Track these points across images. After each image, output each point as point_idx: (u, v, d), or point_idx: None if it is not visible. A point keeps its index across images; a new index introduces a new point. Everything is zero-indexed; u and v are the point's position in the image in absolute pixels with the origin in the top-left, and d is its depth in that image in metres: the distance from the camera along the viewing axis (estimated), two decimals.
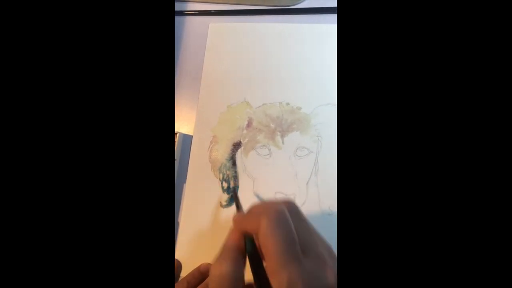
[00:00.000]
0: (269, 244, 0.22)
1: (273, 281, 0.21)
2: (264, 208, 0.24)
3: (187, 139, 0.41)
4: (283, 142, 0.40)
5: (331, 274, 0.22)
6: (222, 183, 0.40)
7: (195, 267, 0.34)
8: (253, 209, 0.25)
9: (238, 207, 0.34)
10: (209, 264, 0.34)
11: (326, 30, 0.43)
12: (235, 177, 0.39)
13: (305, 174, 0.39)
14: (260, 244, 0.23)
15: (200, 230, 0.38)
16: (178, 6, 0.47)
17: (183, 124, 0.42)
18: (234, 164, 0.40)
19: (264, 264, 0.23)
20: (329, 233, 0.35)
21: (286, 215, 0.23)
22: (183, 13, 0.46)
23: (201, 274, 0.33)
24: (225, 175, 0.40)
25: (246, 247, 0.25)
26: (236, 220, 0.27)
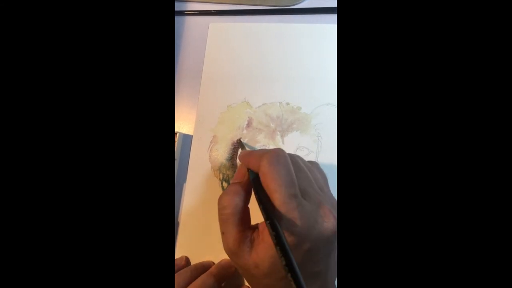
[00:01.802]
0: (268, 181, 0.24)
1: (275, 212, 0.23)
2: (266, 150, 0.26)
3: (187, 139, 0.41)
4: (283, 142, 0.40)
5: (331, 223, 0.23)
6: (222, 183, 0.39)
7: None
8: (255, 151, 0.28)
9: (243, 146, 0.37)
10: (213, 263, 0.34)
11: (327, 30, 0.43)
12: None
13: None
14: (262, 183, 0.24)
15: (200, 230, 0.38)
16: (178, 6, 0.47)
17: (183, 124, 0.42)
18: (234, 164, 0.40)
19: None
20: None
21: (286, 157, 0.25)
22: (183, 13, 0.46)
23: (204, 267, 0.34)
24: (225, 175, 0.40)
25: (250, 176, 0.27)
26: (240, 156, 0.30)
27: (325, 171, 0.39)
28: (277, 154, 0.25)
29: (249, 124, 0.41)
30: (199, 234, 0.38)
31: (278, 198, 0.23)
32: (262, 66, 0.43)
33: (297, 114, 0.40)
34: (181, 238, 0.38)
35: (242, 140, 0.40)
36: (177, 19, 0.46)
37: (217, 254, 0.37)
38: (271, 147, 0.40)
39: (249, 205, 0.27)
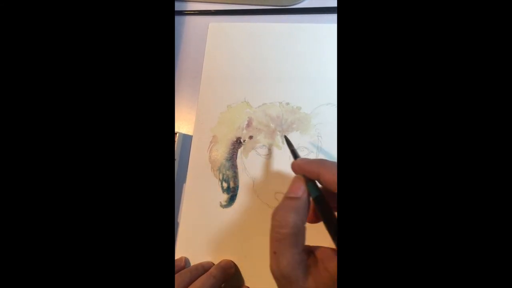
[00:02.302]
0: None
1: None
2: (321, 159, 0.25)
3: (187, 139, 0.41)
4: (283, 142, 0.40)
5: None
6: (222, 183, 0.39)
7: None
8: (331, 163, 0.25)
9: (294, 153, 0.33)
10: (212, 263, 0.34)
11: (327, 30, 0.43)
12: (235, 177, 0.39)
13: None
14: (326, 186, 0.23)
15: (200, 230, 0.38)
16: (178, 6, 0.47)
17: (183, 124, 0.42)
18: (234, 164, 0.40)
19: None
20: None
21: None
22: (183, 13, 0.46)
23: (204, 269, 0.34)
24: (224, 175, 0.40)
25: (311, 193, 0.24)
26: (306, 166, 0.26)
27: None
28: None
29: (249, 124, 0.41)
30: (199, 235, 0.38)
31: None
32: (262, 66, 0.43)
33: (297, 114, 0.40)
34: (181, 238, 0.38)
35: (289, 139, 0.36)
36: (177, 19, 0.46)
37: (216, 254, 0.37)
38: (271, 147, 0.40)
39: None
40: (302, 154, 0.39)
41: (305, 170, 0.26)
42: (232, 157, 0.40)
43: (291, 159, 0.39)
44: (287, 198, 0.25)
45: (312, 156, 0.39)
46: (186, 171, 0.40)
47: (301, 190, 0.25)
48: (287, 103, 0.41)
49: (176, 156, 0.40)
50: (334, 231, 0.22)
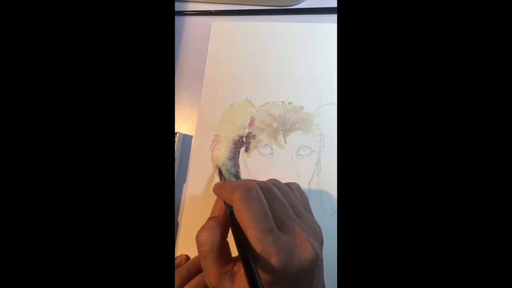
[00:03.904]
0: (242, 218, 0.23)
1: (250, 249, 0.23)
2: (238, 183, 0.26)
3: (187, 139, 0.41)
4: (285, 142, 0.39)
5: (309, 251, 0.23)
6: None
7: None
8: (227, 183, 0.28)
9: (220, 179, 0.36)
10: None
11: (330, 29, 0.43)
12: (237, 176, 0.39)
13: (307, 174, 0.38)
14: (236, 217, 0.24)
15: None
16: (178, 6, 0.47)
17: (183, 124, 0.42)
18: (236, 163, 0.40)
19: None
20: (330, 234, 0.35)
21: (258, 191, 0.25)
22: (183, 13, 0.46)
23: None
24: (226, 174, 0.39)
25: (227, 209, 0.26)
26: (214, 188, 0.29)
27: (328, 170, 0.39)
28: (248, 188, 0.25)
29: (251, 124, 0.40)
30: None
31: (253, 234, 0.23)
32: (265, 65, 0.43)
33: (300, 113, 0.40)
34: (181, 238, 0.38)
35: (221, 167, 0.39)
36: (177, 19, 0.46)
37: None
38: (274, 146, 0.39)
39: (229, 239, 0.27)
40: (304, 153, 0.39)
41: (215, 193, 0.29)
42: (234, 156, 0.40)
43: (293, 158, 0.39)
44: (209, 218, 0.27)
45: (314, 156, 0.39)
46: (186, 171, 0.40)
47: (218, 209, 0.27)
48: (290, 103, 0.41)
49: (176, 156, 0.40)
50: (239, 244, 0.23)
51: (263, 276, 0.22)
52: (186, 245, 0.38)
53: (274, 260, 0.22)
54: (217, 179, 0.40)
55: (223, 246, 0.26)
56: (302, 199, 0.30)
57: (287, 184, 0.30)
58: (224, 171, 0.39)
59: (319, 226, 0.27)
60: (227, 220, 0.26)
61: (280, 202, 0.26)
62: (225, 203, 0.27)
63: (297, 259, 0.23)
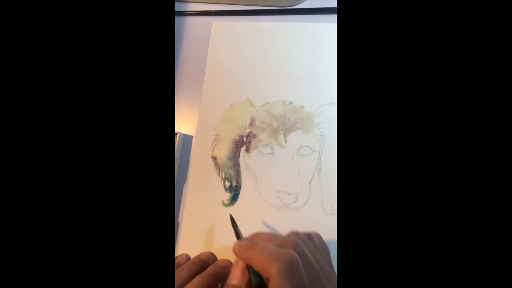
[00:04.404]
0: None
1: None
2: (277, 254, 0.23)
3: (187, 139, 0.41)
4: (286, 141, 0.39)
5: None
6: (224, 182, 0.39)
7: None
8: (259, 247, 0.24)
9: (238, 234, 0.31)
10: (209, 253, 0.34)
11: (331, 29, 0.43)
12: (238, 176, 0.39)
13: (307, 173, 0.38)
14: (260, 272, 0.22)
15: (202, 229, 0.38)
16: (178, 6, 0.47)
17: (183, 124, 0.42)
18: (236, 163, 0.40)
19: None
20: (330, 234, 0.35)
21: (299, 265, 0.23)
22: (183, 14, 0.46)
23: (202, 262, 0.33)
24: (227, 174, 0.39)
25: (253, 280, 0.24)
26: (238, 252, 0.25)
27: (328, 170, 0.39)
28: (291, 263, 0.22)
29: (251, 123, 0.40)
30: (200, 233, 0.38)
31: None
32: (265, 65, 0.43)
33: (300, 113, 0.40)
34: (182, 238, 0.38)
35: (233, 216, 0.33)
36: (177, 19, 0.46)
37: (218, 253, 0.37)
38: (274, 146, 0.39)
39: None
40: (305, 153, 0.39)
41: (238, 256, 0.25)
42: (234, 156, 0.40)
43: (294, 158, 0.39)
44: (228, 285, 0.24)
45: (315, 155, 0.39)
46: (186, 171, 0.40)
47: (240, 276, 0.25)
48: (290, 102, 0.41)
49: (176, 157, 0.40)
50: None
51: None
52: (186, 245, 0.38)
53: None
54: (213, 173, 0.39)
55: None
56: (324, 253, 0.28)
57: (309, 236, 0.28)
58: (221, 174, 0.39)
59: (335, 276, 0.26)
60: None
61: (313, 268, 0.24)
62: (248, 269, 0.24)
63: None
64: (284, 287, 0.21)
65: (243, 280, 0.24)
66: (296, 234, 0.27)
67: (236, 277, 0.25)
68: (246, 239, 0.28)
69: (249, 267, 0.24)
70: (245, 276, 0.24)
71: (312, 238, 0.28)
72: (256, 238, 0.27)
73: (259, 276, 0.23)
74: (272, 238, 0.25)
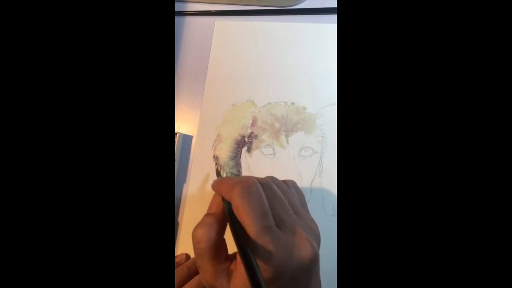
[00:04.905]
0: (241, 215, 0.23)
1: (249, 246, 0.22)
2: (237, 179, 0.25)
3: (187, 139, 0.41)
4: (287, 142, 0.39)
5: (308, 250, 0.23)
6: None
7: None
8: (225, 179, 0.27)
9: (217, 173, 0.37)
10: None
11: (333, 30, 0.43)
12: (239, 176, 0.39)
13: (309, 175, 0.38)
14: (236, 214, 0.24)
15: None
16: (178, 7, 0.47)
17: (183, 124, 0.42)
18: (237, 163, 0.40)
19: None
20: (332, 235, 0.35)
21: (258, 188, 0.24)
22: (183, 14, 0.46)
23: None
24: (228, 174, 0.39)
25: (225, 206, 0.26)
26: (213, 184, 0.28)
27: (330, 171, 0.38)
28: (248, 185, 0.24)
29: (253, 123, 0.40)
30: None
31: (252, 231, 0.22)
32: (268, 65, 0.43)
33: (302, 114, 0.40)
34: (182, 238, 0.38)
35: (219, 170, 0.39)
36: (177, 19, 0.46)
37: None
38: (276, 146, 0.39)
39: (226, 236, 0.26)
40: (307, 154, 0.39)
41: (214, 190, 0.28)
42: (236, 156, 0.40)
43: (295, 159, 0.39)
44: (205, 215, 0.26)
45: (316, 156, 0.39)
46: (186, 171, 0.40)
47: (216, 206, 0.27)
48: (292, 103, 0.41)
49: (176, 157, 0.40)
50: (238, 242, 0.23)
51: (263, 274, 0.22)
52: (186, 245, 0.38)
53: (273, 259, 0.22)
54: (214, 173, 0.39)
55: (220, 244, 0.25)
56: (299, 196, 0.30)
57: (284, 181, 0.30)
58: (222, 174, 0.39)
59: (316, 224, 0.27)
60: (224, 216, 0.26)
61: (279, 199, 0.26)
62: (223, 199, 0.26)
63: (296, 257, 0.23)
64: (242, 206, 0.23)
65: (218, 208, 0.27)
66: (268, 176, 0.29)
67: (213, 207, 0.27)
68: None
69: (223, 199, 0.26)
70: (219, 205, 0.27)
71: (286, 183, 0.30)
72: (223, 178, 0.29)
73: (228, 202, 0.25)
74: (237, 177, 0.28)
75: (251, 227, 0.22)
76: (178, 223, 0.38)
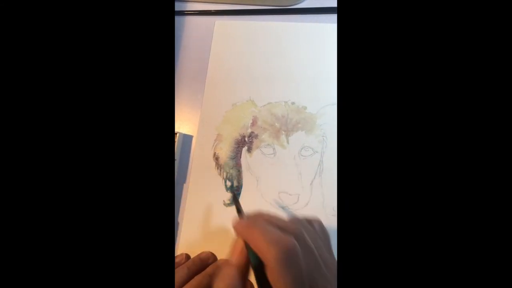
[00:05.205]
0: (276, 281, 0.21)
1: None
2: (276, 238, 0.22)
3: (187, 139, 0.41)
4: (287, 142, 0.39)
5: None
6: (225, 182, 0.39)
7: None
8: (259, 230, 0.23)
9: (239, 211, 0.32)
10: (209, 252, 0.33)
11: (333, 30, 0.43)
12: (239, 176, 0.39)
13: (309, 174, 0.38)
14: (268, 277, 0.22)
15: (202, 229, 0.38)
16: (178, 6, 0.47)
17: (183, 124, 0.42)
18: (238, 162, 0.40)
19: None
20: (331, 235, 0.35)
21: (298, 252, 0.22)
22: (183, 13, 0.46)
23: (202, 261, 0.32)
24: (228, 174, 0.39)
25: (251, 260, 0.23)
26: (238, 230, 0.25)
27: (330, 171, 0.38)
28: (289, 250, 0.22)
29: (253, 123, 0.40)
30: (201, 233, 0.38)
31: None
32: (268, 65, 0.43)
33: (303, 113, 0.40)
34: (183, 237, 0.38)
35: (236, 195, 0.37)
36: (178, 19, 0.46)
37: (219, 253, 0.36)
38: (276, 146, 0.39)
39: None
40: (307, 154, 0.39)
41: (239, 235, 0.25)
42: (236, 156, 0.40)
43: (295, 159, 0.39)
44: (227, 264, 0.24)
45: (317, 156, 0.38)
46: (186, 171, 0.40)
47: (239, 254, 0.24)
48: (293, 103, 0.41)
49: (176, 156, 0.40)
50: None
51: None
52: (186, 245, 0.38)
53: None
54: (215, 172, 0.39)
55: None
56: (324, 239, 0.28)
57: (309, 222, 0.28)
58: (222, 174, 0.39)
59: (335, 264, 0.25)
60: (248, 268, 0.24)
61: (313, 256, 0.24)
62: (248, 248, 0.24)
63: None
64: (281, 274, 0.21)
65: (241, 260, 0.24)
66: (297, 219, 0.27)
67: (235, 255, 0.24)
68: (248, 216, 0.27)
69: (248, 247, 0.24)
70: (243, 255, 0.24)
71: (312, 224, 0.28)
72: (257, 217, 0.26)
73: (258, 257, 0.23)
74: (273, 219, 0.25)
75: None
76: (178, 223, 0.38)
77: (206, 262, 0.32)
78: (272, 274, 0.21)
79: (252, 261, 0.23)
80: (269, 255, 0.21)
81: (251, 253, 0.23)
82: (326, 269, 0.24)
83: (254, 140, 0.40)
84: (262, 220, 0.25)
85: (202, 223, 0.38)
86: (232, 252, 0.25)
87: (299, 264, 0.22)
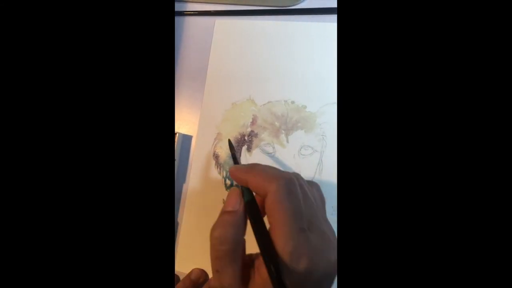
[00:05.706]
0: (276, 214, 0.21)
1: (278, 248, 0.21)
2: (274, 173, 0.23)
3: (187, 139, 0.41)
4: (287, 141, 0.39)
5: (333, 251, 0.22)
6: (225, 181, 0.39)
7: (197, 267, 0.33)
8: (259, 168, 0.24)
9: (236, 159, 0.32)
10: (201, 270, 0.32)
11: (333, 29, 0.43)
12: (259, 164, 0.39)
13: (309, 173, 0.38)
14: (266, 210, 0.22)
15: (202, 228, 0.38)
16: (178, 7, 0.47)
17: (183, 124, 0.42)
18: (237, 161, 0.40)
19: (267, 225, 0.22)
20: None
21: (297, 186, 0.23)
22: (183, 14, 0.46)
23: (192, 282, 0.31)
24: (228, 173, 0.39)
25: (244, 198, 0.24)
26: (236, 173, 0.25)
27: (330, 170, 0.38)
28: (290, 182, 0.22)
29: (253, 122, 0.40)
30: (201, 232, 0.38)
31: (286, 231, 0.21)
32: (268, 64, 0.43)
33: (302, 112, 0.40)
34: (183, 236, 0.38)
35: (230, 140, 0.36)
36: (177, 19, 0.46)
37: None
38: (276, 145, 0.39)
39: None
40: (307, 153, 0.39)
41: (235, 177, 0.25)
42: (236, 155, 0.40)
43: (295, 158, 0.39)
44: (224, 212, 0.24)
45: (316, 155, 0.38)
46: (186, 171, 0.40)
47: (237, 203, 0.24)
48: (292, 102, 0.41)
49: (176, 157, 0.40)
50: (260, 237, 0.21)
51: (288, 278, 0.20)
52: (186, 245, 0.38)
53: (304, 262, 0.21)
54: (215, 171, 0.39)
55: (242, 245, 0.23)
56: (321, 201, 0.28)
57: (309, 182, 0.28)
58: (222, 173, 0.39)
59: (333, 230, 0.25)
60: (245, 215, 0.24)
61: (311, 200, 0.24)
62: (243, 191, 0.24)
63: (324, 262, 0.21)
64: (282, 204, 0.21)
65: (240, 206, 0.24)
66: (295, 174, 0.27)
67: (232, 204, 0.24)
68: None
69: (243, 189, 0.24)
70: (240, 202, 0.24)
71: (311, 185, 0.28)
72: (254, 163, 0.27)
73: (250, 194, 0.23)
74: (270, 167, 0.25)
75: (286, 227, 0.21)
76: (178, 223, 0.38)
77: (197, 281, 0.31)
78: (272, 207, 0.22)
79: (245, 199, 0.23)
80: (270, 188, 0.22)
81: (244, 190, 0.24)
82: (323, 220, 0.24)
83: (254, 139, 0.40)
84: (260, 165, 0.26)
85: (202, 223, 0.38)
86: (228, 202, 0.25)
87: (298, 196, 0.22)
